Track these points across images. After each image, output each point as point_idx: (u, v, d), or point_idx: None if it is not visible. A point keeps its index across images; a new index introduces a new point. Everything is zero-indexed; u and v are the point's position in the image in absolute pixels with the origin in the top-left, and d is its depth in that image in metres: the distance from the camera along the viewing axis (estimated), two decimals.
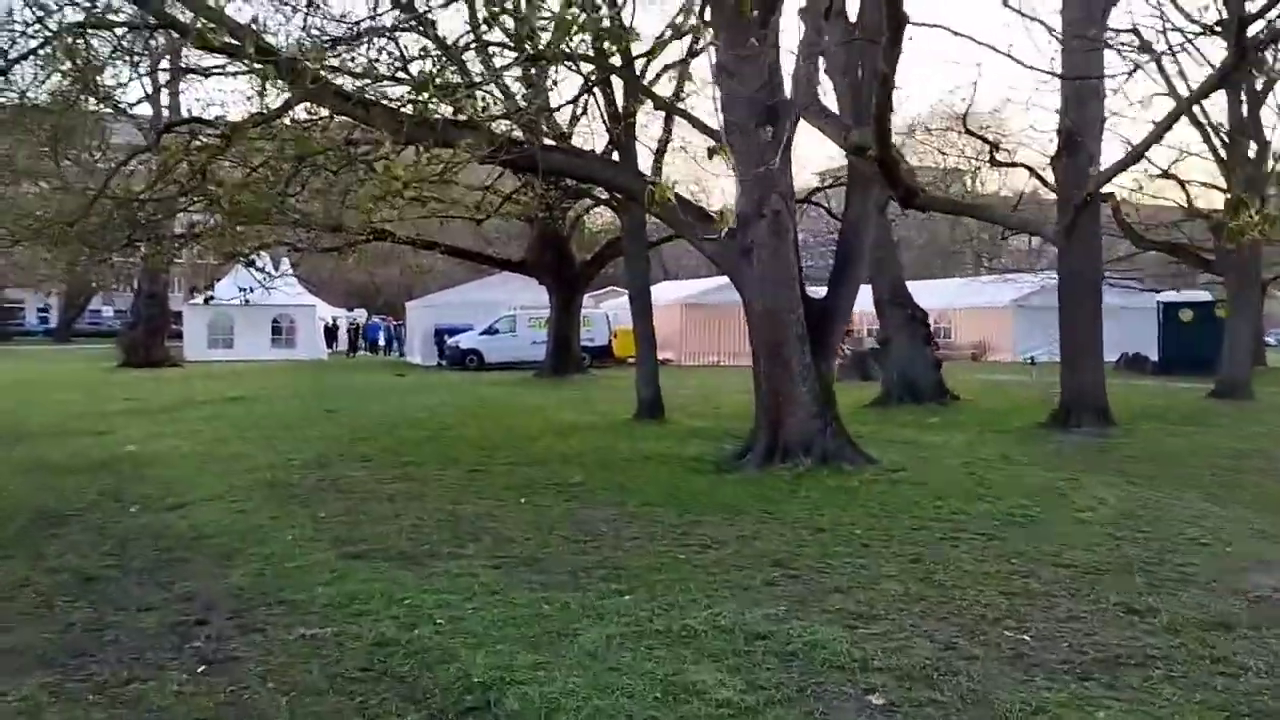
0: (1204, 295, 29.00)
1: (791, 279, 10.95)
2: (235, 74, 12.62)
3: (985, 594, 5.98)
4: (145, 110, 22.89)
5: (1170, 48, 18.45)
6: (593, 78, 13.00)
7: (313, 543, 7.38)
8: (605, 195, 19.44)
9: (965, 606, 5.73)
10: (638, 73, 12.37)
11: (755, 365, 11.26)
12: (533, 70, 15.27)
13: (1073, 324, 14.82)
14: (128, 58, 13.88)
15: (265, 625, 5.41)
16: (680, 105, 12.13)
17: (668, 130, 19.81)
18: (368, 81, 10.76)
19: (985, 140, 15.96)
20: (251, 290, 17.36)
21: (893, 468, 10.72)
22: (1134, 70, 13.52)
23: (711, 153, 7.75)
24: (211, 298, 23.77)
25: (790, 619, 5.42)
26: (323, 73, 11.15)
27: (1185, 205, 20.25)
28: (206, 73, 13.27)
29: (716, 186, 53.02)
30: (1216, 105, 21.49)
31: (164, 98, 22.90)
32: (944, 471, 10.75)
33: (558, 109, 14.37)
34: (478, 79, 10.25)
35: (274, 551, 7.08)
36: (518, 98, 14.38)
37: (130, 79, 39.06)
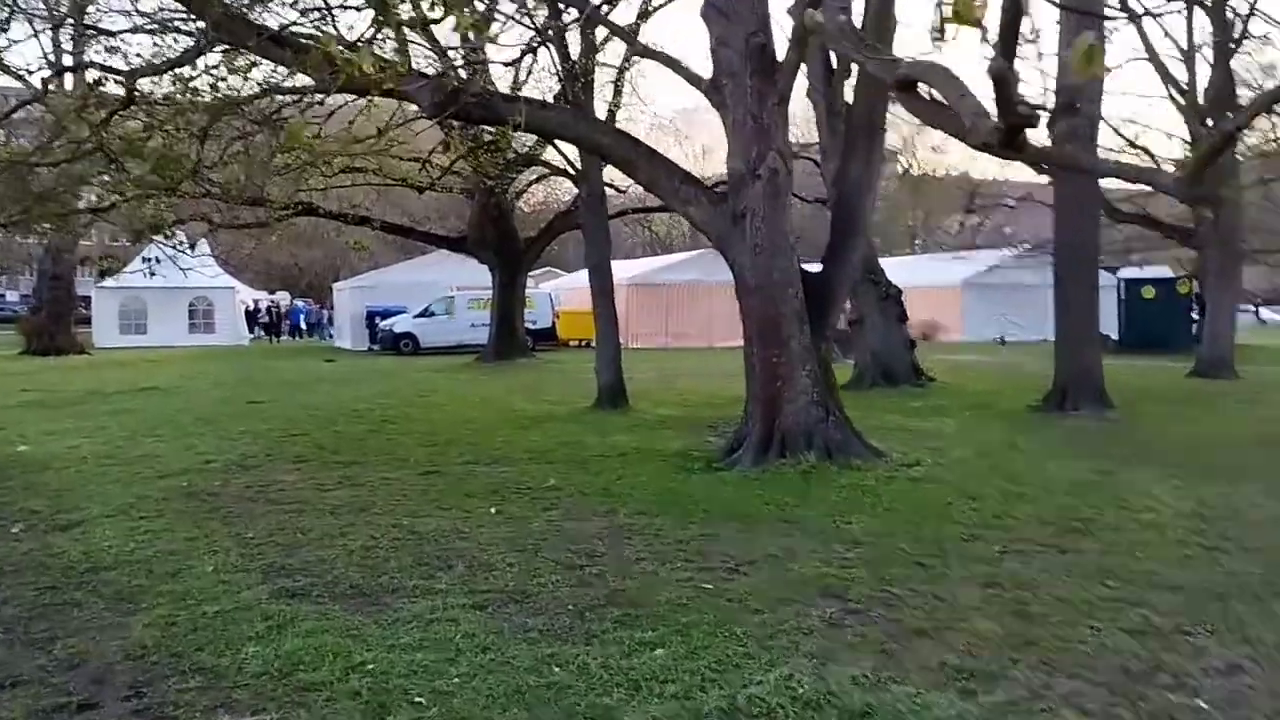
0: (1165, 271, 28.53)
1: (789, 249, 9.66)
2: (144, 30, 10.96)
3: (1104, 633, 4.75)
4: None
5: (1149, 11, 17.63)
6: (546, 29, 11.55)
7: (239, 574, 5.87)
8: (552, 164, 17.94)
9: (1092, 654, 4.49)
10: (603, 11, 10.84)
11: (747, 346, 9.96)
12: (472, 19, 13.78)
13: (1070, 302, 13.84)
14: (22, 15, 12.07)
15: (175, 713, 3.92)
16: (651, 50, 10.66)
17: (618, 90, 18.43)
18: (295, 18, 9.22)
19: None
20: (157, 261, 15.40)
21: (904, 462, 9.52)
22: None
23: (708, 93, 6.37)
24: (110, 270, 21.64)
25: (886, 683, 4.11)
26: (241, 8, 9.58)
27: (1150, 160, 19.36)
28: (113, 33, 11.55)
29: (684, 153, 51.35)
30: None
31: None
32: (960, 465, 9.59)
33: (512, 64, 12.81)
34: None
35: (190, 589, 5.56)
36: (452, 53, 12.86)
37: (26, 37, 36.13)
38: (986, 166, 46.13)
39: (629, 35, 10.70)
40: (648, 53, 10.79)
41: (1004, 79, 4.57)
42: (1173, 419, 13.21)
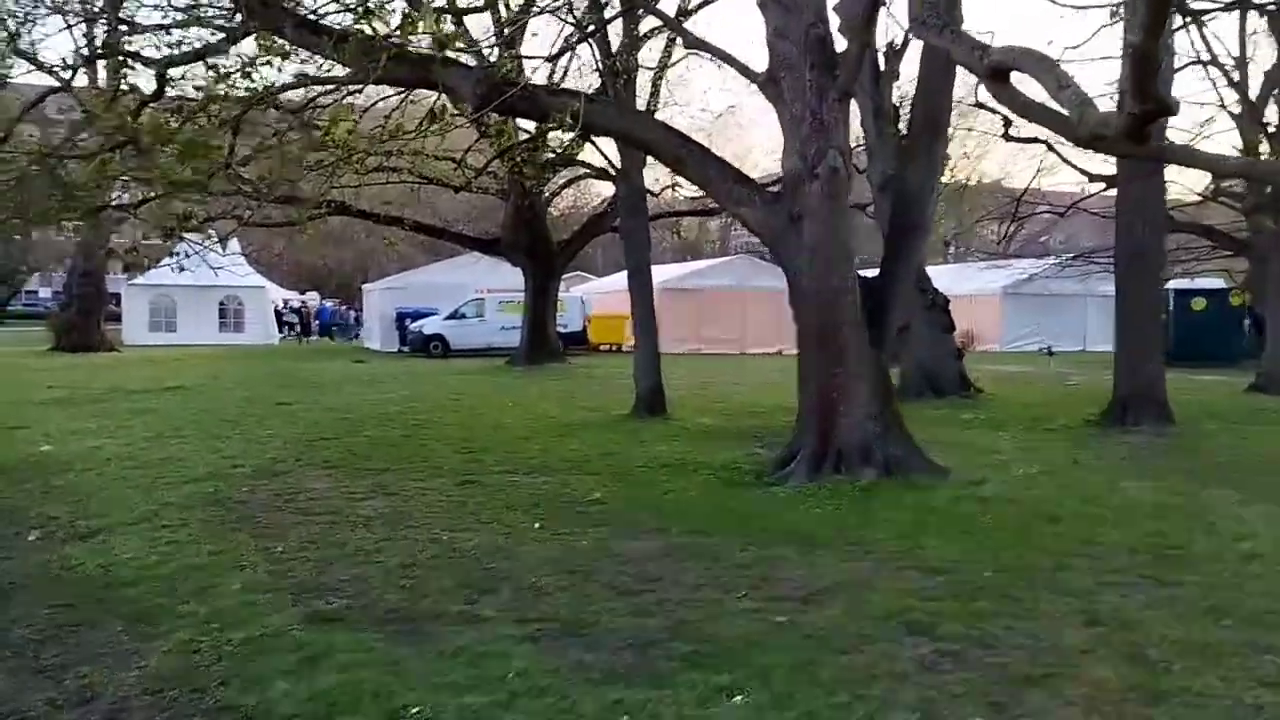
0: (1216, 283, 27.66)
1: (848, 253, 9.15)
2: (179, 25, 10.61)
3: (1238, 684, 4.20)
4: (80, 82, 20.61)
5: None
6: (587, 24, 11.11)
7: (268, 594, 5.42)
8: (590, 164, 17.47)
9: (1235, 713, 3.94)
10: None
11: (801, 355, 9.43)
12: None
13: (1132, 311, 13.22)
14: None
15: None
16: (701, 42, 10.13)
17: (656, 91, 17.98)
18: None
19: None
20: (187, 255, 15.04)
21: (970, 480, 8.96)
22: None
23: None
24: (136, 265, 21.33)
25: None
26: None
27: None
28: (148, 28, 11.20)
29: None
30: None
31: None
32: (1029, 484, 9.02)
33: (552, 59, 12.33)
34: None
35: (214, 610, 5.10)
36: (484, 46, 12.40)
37: (58, 31, 36.20)
38: (1023, 175, 45.32)
39: (677, 24, 10.19)
40: (698, 44, 10.29)
41: (1148, 60, 4.03)
42: (1240, 436, 12.55)
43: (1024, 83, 6.07)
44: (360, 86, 10.87)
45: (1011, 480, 9.13)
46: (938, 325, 17.04)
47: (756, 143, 79.08)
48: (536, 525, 7.13)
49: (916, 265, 10.17)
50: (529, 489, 8.56)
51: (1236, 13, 18.08)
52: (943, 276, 42.70)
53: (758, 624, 4.96)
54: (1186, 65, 18.47)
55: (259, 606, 5.19)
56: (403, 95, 17.67)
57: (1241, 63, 21.15)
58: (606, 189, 42.49)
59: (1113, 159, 14.26)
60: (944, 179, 41.34)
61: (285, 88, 9.66)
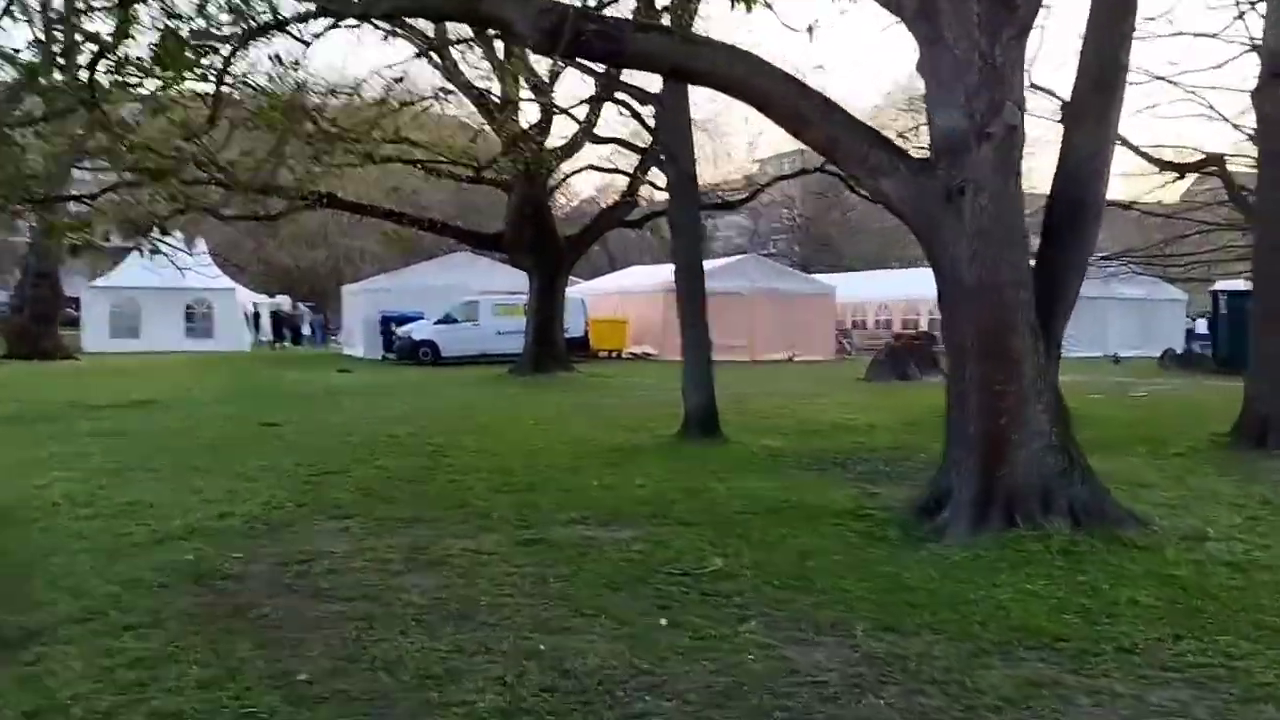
0: None
1: (1022, 238, 7.12)
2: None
3: None
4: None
5: None
6: None
7: None
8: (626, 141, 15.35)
9: None
10: None
11: (953, 368, 7.39)
12: None
13: (1274, 316, 11.31)
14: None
15: None
16: None
17: None
18: None
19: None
20: (154, 252, 12.80)
21: (1182, 532, 6.94)
22: None
23: None
24: (80, 248, 19.08)
25: None
26: None
27: None
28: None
29: None
30: None
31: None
32: (1253, 536, 7.02)
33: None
34: None
35: None
36: None
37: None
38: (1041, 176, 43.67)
39: None
40: None
41: None
42: None
43: None
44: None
45: (1226, 531, 7.12)
46: None
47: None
48: (663, 621, 5.01)
49: (1090, 247, 8.12)
50: (617, 551, 6.44)
51: None
52: None
53: None
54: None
55: None
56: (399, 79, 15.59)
57: None
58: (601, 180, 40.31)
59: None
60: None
61: (285, 23, 7.46)
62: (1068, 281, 7.79)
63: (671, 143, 12.06)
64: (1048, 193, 7.95)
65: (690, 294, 12.35)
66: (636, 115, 16.22)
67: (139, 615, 5.05)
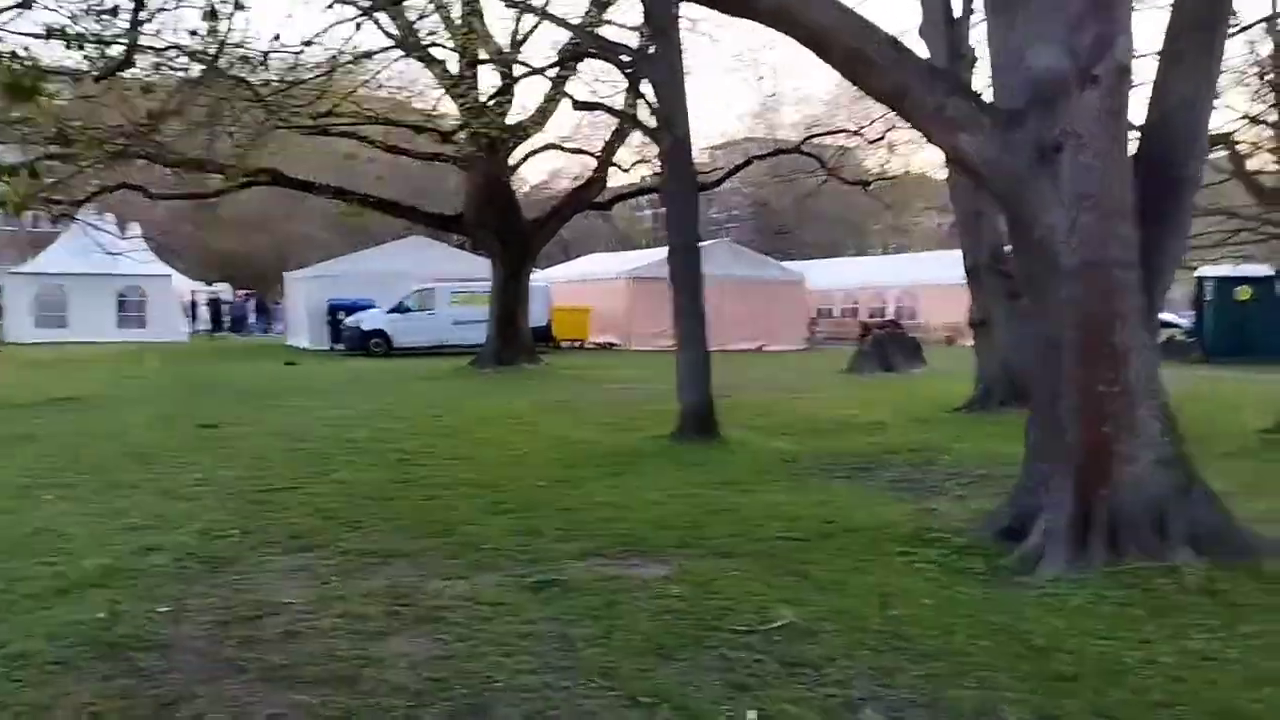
0: (1263, 269, 25.20)
1: (1129, 206, 5.90)
2: None
3: None
4: None
5: None
6: None
7: None
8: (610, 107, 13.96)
9: None
10: None
11: (1044, 365, 6.16)
12: None
13: None
14: None
15: None
16: None
17: None
18: None
19: None
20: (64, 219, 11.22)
21: None
22: None
23: None
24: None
25: None
26: None
27: None
28: None
29: None
30: None
31: None
32: None
33: None
34: None
35: None
36: None
37: None
38: None
39: None
40: None
41: None
42: None
43: None
44: None
45: None
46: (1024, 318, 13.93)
47: None
48: (751, 716, 3.69)
49: (1188, 228, 6.94)
50: (652, 597, 5.10)
51: None
52: (913, 267, 40.20)
53: None
54: None
55: None
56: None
57: None
58: (567, 163, 38.72)
59: None
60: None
61: None
62: (1163, 261, 6.57)
63: (665, 105, 10.72)
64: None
65: (686, 279, 11.06)
66: (627, 73, 14.72)
67: (22, 714, 3.62)
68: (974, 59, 13.75)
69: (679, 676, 4.06)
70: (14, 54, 4.98)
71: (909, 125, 6.67)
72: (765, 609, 4.89)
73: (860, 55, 5.92)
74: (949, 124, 5.98)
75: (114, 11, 6.18)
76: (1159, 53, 6.93)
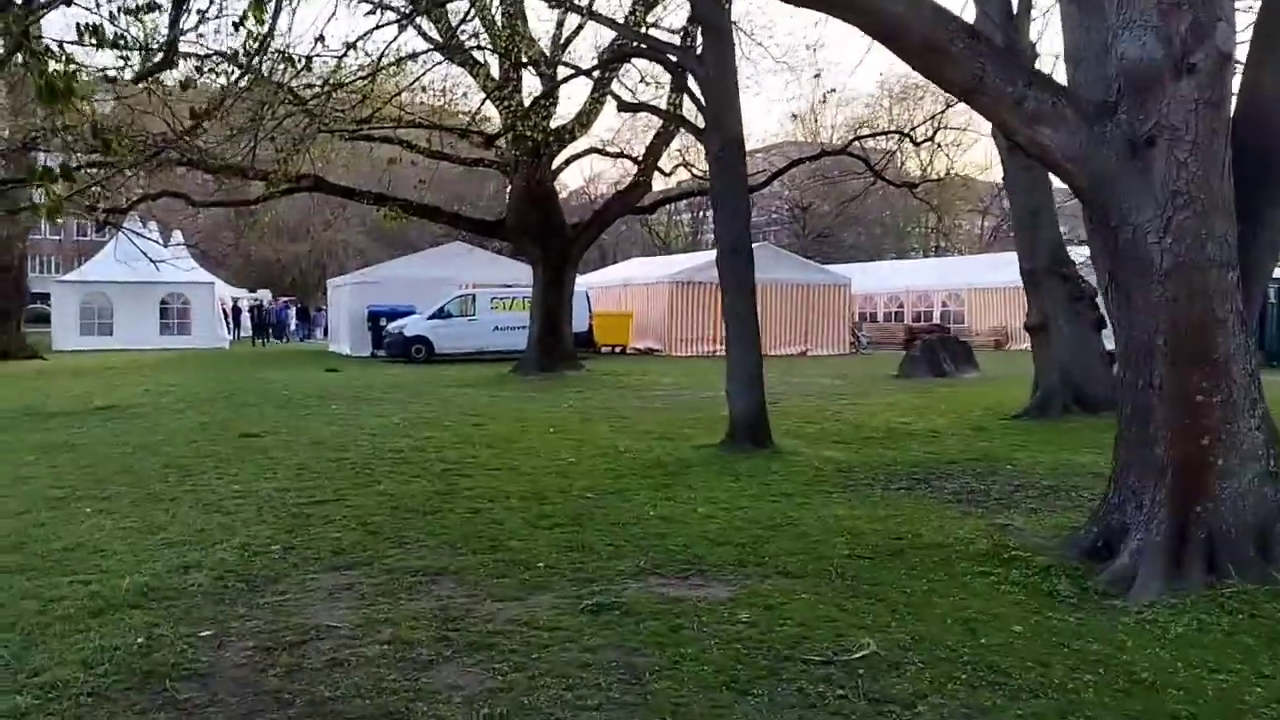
0: None
1: (1229, 204, 5.48)
2: None
3: None
4: None
5: None
6: None
7: None
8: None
9: None
10: None
11: (1134, 373, 5.75)
12: None
13: None
14: None
15: None
16: None
17: None
18: None
19: None
20: (109, 226, 11.12)
21: None
22: None
23: None
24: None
25: None
26: None
27: None
28: None
29: None
30: None
31: None
32: None
33: None
34: None
35: None
36: None
37: None
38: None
39: None
40: None
41: None
42: None
43: None
44: None
45: None
46: (1085, 322, 13.45)
47: None
48: None
49: None
50: (719, 622, 4.77)
51: None
52: (960, 269, 39.48)
53: None
54: None
55: None
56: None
57: None
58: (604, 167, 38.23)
59: None
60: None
61: None
62: (1262, 261, 6.15)
63: (715, 105, 10.39)
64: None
65: (737, 282, 10.69)
66: (674, 72, 14.37)
67: None
68: (1035, 54, 13.29)
69: (756, 715, 3.72)
70: (48, 49, 4.75)
71: (985, 119, 6.26)
72: (842, 636, 4.55)
73: (934, 45, 5.55)
74: (1031, 117, 5.59)
75: (155, 7, 5.96)
76: (1251, 39, 6.51)
